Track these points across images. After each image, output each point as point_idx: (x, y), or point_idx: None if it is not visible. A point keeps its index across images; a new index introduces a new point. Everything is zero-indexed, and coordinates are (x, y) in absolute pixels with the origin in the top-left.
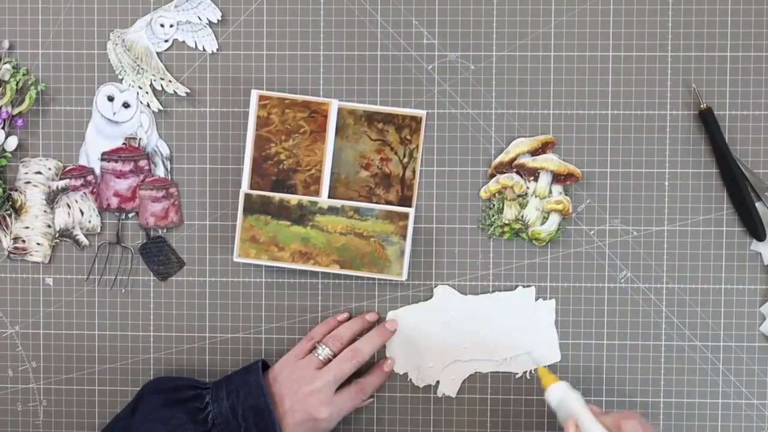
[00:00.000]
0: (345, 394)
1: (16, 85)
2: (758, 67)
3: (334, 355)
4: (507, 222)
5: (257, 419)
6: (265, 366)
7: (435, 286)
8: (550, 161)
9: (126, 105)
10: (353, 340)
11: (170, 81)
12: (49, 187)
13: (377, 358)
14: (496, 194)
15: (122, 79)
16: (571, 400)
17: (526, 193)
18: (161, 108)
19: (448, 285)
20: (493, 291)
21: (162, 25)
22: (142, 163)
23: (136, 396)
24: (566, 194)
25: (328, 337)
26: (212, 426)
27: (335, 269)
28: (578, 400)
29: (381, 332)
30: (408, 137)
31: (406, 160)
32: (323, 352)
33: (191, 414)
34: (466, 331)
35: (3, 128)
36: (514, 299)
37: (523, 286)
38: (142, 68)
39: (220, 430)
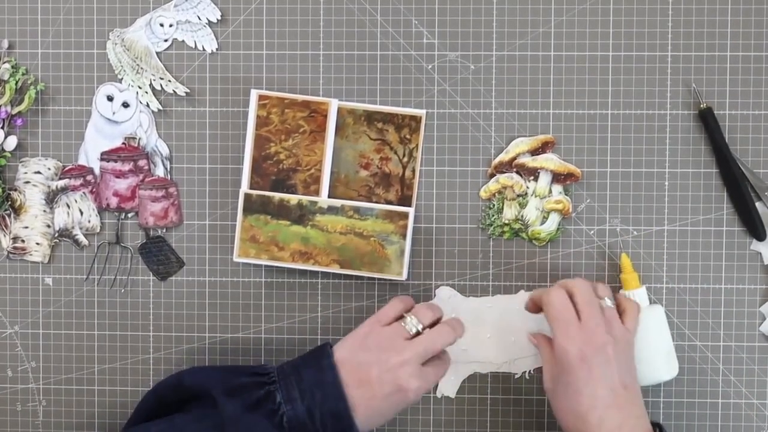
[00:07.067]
0: (431, 366)
1: (16, 84)
2: (758, 67)
3: (421, 330)
4: (507, 222)
5: (335, 424)
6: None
7: (436, 287)
8: (550, 161)
9: (125, 105)
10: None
11: (170, 81)
12: (49, 186)
13: None
14: (496, 194)
15: (122, 78)
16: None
17: (526, 193)
18: (161, 108)
19: (450, 286)
20: (494, 293)
21: (161, 25)
22: (142, 162)
23: (185, 389)
24: (566, 194)
25: (417, 309)
26: (288, 430)
27: (335, 269)
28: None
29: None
30: (408, 137)
31: (405, 159)
32: (412, 323)
33: (269, 417)
34: (466, 333)
35: (2, 128)
36: (516, 302)
37: (525, 290)
38: (142, 68)
39: None
